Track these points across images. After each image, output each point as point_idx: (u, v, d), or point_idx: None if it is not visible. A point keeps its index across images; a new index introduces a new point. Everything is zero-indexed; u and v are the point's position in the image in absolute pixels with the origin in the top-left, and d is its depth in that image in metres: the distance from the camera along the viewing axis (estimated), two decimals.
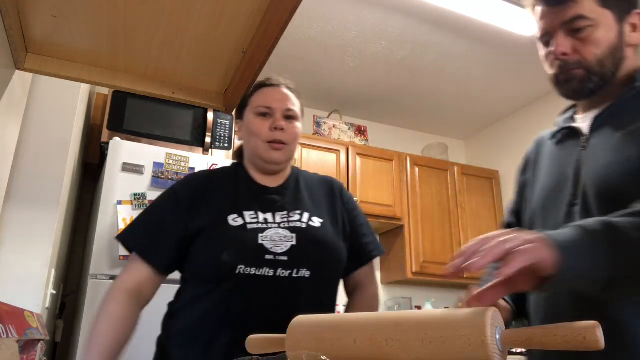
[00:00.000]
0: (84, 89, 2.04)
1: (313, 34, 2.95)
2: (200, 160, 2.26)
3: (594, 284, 0.65)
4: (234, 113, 1.22)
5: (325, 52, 3.11)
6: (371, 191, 3.31)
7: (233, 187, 1.18)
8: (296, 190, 1.22)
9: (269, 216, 1.13)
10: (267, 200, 1.17)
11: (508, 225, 1.10)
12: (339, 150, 3.35)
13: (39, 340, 0.67)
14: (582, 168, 0.88)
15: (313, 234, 1.12)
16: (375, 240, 1.26)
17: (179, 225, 1.09)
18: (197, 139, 2.47)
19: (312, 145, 3.30)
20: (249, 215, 1.11)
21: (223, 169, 1.25)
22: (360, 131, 3.74)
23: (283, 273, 1.04)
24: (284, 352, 0.61)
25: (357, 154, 3.40)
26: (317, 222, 1.15)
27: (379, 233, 3.48)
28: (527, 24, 2.77)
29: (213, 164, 2.26)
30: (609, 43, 0.88)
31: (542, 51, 0.96)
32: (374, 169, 3.40)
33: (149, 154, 2.17)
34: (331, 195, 1.25)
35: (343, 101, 3.73)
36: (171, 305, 1.14)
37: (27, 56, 0.88)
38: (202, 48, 0.87)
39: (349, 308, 1.23)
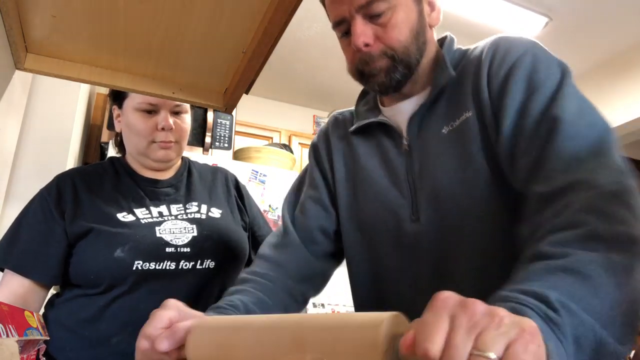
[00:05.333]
0: (84, 89, 2.04)
1: (313, 34, 2.94)
2: (200, 160, 2.26)
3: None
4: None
5: (325, 52, 3.11)
6: None
7: (114, 183, 1.06)
8: (189, 182, 1.14)
9: (163, 209, 1.04)
10: (158, 194, 1.07)
11: (293, 223, 0.92)
12: None
13: (38, 340, 0.67)
14: (416, 179, 0.79)
15: (214, 224, 1.06)
16: (271, 231, 1.21)
17: (58, 233, 0.97)
18: (197, 139, 2.47)
19: None
20: (140, 212, 1.02)
21: (96, 165, 1.11)
22: None
23: (186, 265, 0.98)
24: None
25: None
26: (216, 212, 1.09)
27: None
28: (527, 24, 2.77)
29: (213, 164, 2.25)
30: (411, 26, 0.77)
31: (340, 42, 0.84)
32: None
33: None
34: (226, 185, 1.19)
35: (343, 101, 3.72)
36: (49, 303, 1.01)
37: (27, 56, 0.88)
38: (202, 48, 0.87)
39: None
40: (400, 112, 0.83)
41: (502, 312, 0.38)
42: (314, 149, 0.98)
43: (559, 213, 0.56)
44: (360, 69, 0.80)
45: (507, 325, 0.37)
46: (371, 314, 0.43)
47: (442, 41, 0.86)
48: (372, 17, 0.75)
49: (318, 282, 0.93)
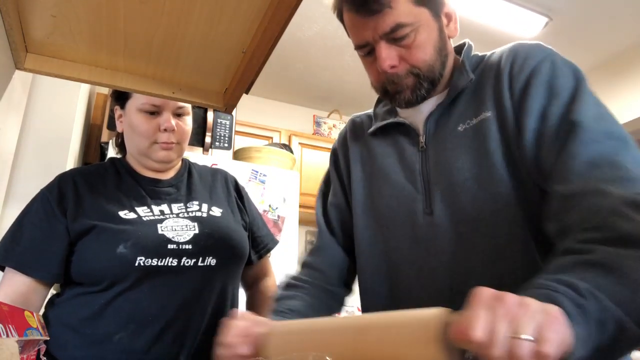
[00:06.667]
0: (84, 89, 2.04)
1: (313, 34, 2.94)
2: (200, 160, 2.25)
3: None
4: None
5: (325, 52, 3.11)
6: None
7: (116, 182, 1.07)
8: (190, 182, 1.15)
9: (164, 208, 1.05)
10: (159, 193, 1.08)
11: (327, 225, 0.97)
12: None
13: (38, 340, 0.67)
14: (430, 174, 0.82)
15: (215, 223, 1.07)
16: (269, 232, 1.26)
17: (60, 231, 0.97)
18: (197, 139, 2.47)
19: (312, 145, 3.30)
20: (141, 210, 1.03)
21: (97, 165, 1.13)
22: None
23: (188, 262, 0.99)
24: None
25: None
26: (217, 211, 1.11)
27: None
28: (527, 24, 2.77)
29: (213, 164, 2.25)
30: (433, 44, 0.80)
31: (363, 60, 0.86)
32: None
33: None
34: (225, 186, 1.21)
35: (343, 101, 3.73)
36: (49, 303, 1.01)
37: (27, 56, 0.88)
38: (202, 48, 0.87)
39: (251, 300, 1.22)
40: (418, 112, 0.87)
41: (531, 301, 0.45)
42: (333, 154, 1.03)
43: (587, 216, 0.60)
44: (385, 87, 0.84)
45: (536, 312, 0.44)
46: (423, 311, 0.52)
47: (459, 47, 0.89)
48: (396, 40, 0.78)
49: (351, 282, 0.97)
